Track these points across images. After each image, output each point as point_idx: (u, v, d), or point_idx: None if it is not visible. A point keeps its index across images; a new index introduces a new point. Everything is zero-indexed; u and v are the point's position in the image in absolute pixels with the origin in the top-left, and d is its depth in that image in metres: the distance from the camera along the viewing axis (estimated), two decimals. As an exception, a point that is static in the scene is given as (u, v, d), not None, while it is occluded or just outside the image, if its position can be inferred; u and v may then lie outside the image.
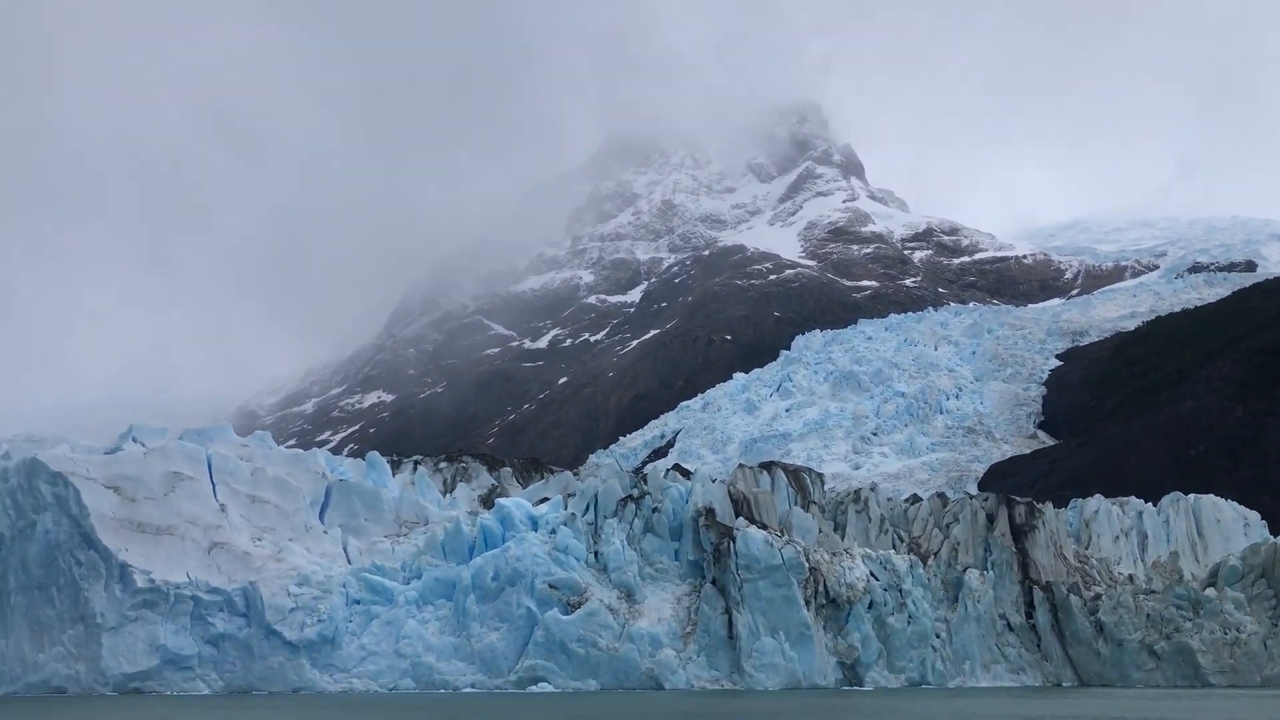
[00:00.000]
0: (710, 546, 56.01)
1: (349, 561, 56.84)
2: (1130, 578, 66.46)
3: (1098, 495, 74.35)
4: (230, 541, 53.44)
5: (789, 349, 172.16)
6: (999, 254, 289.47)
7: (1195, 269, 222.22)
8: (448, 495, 69.41)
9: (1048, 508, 68.14)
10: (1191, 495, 73.84)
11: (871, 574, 57.77)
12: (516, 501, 60.87)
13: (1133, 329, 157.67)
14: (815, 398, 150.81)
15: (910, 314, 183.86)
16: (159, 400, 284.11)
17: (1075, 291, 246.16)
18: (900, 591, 58.06)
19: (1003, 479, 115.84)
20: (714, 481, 62.67)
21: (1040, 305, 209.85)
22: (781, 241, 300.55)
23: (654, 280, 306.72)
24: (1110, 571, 67.13)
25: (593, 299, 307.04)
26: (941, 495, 73.11)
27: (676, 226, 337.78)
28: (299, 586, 52.02)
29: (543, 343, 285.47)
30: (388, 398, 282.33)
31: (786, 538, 56.86)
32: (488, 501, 68.71)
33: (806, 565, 55.04)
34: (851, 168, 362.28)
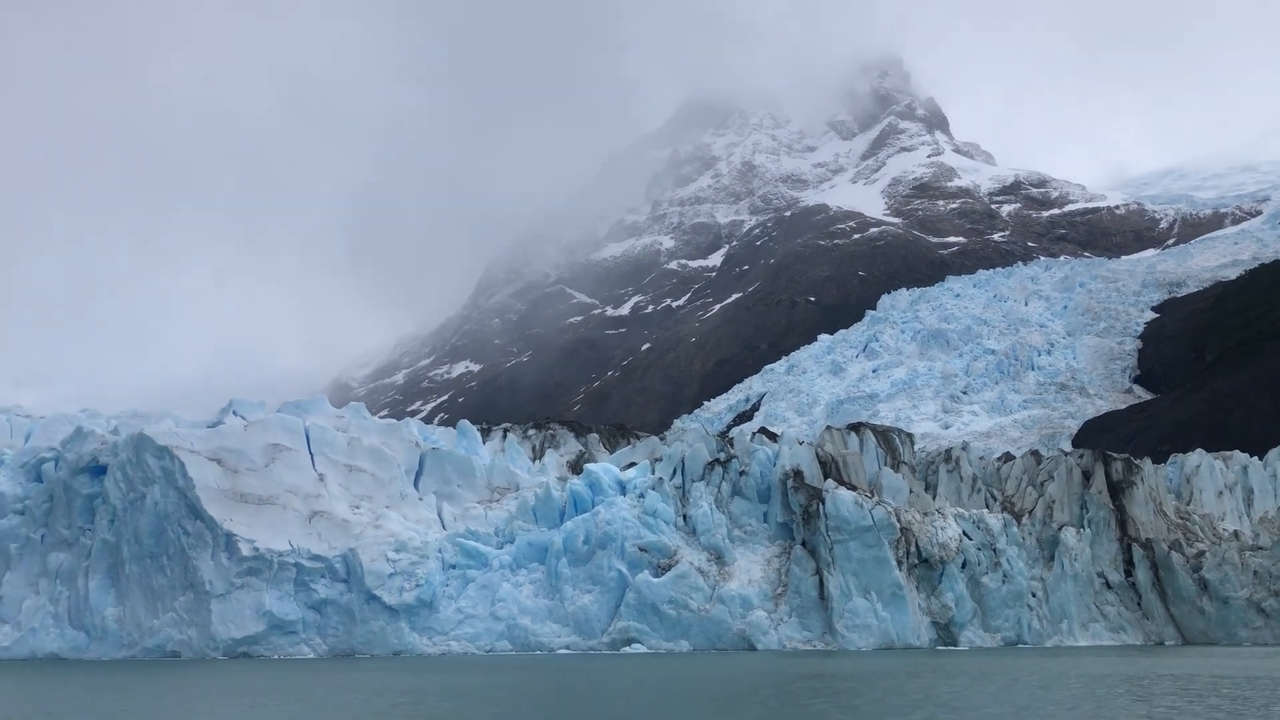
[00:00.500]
0: (799, 509, 55.93)
1: (444, 527, 58.06)
2: (1235, 534, 64.68)
3: (1199, 450, 72.35)
4: (329, 510, 54.93)
5: (874, 309, 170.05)
6: (1090, 205, 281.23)
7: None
8: (536, 462, 70.38)
9: (1146, 463, 66.56)
10: (1299, 448, 71.41)
11: (964, 534, 57.15)
12: (605, 467, 61.46)
13: (1234, 278, 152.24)
14: (902, 357, 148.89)
15: (999, 269, 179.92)
16: (255, 375, 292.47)
17: (1171, 241, 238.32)
18: (994, 551, 57.35)
19: (1098, 435, 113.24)
20: (801, 444, 62.45)
21: (1134, 256, 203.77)
22: (865, 199, 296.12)
23: (735, 243, 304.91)
24: (1214, 528, 65.41)
25: (674, 264, 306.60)
26: (1035, 453, 71.83)
27: (757, 188, 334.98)
28: (397, 552, 53.30)
29: (625, 310, 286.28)
30: (475, 367, 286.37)
31: (877, 499, 56.49)
32: (575, 467, 69.50)
33: (898, 526, 54.65)
34: (935, 121, 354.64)
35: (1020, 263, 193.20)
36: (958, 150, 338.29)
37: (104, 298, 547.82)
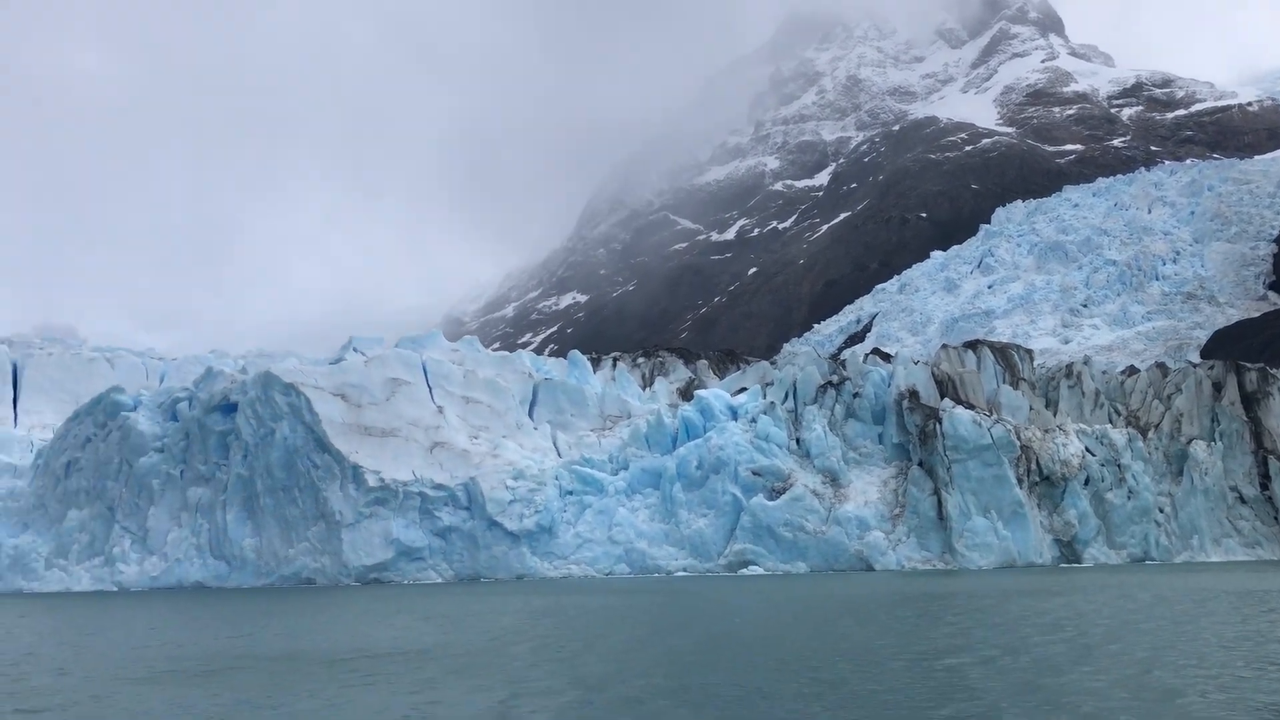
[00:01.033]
0: (915, 429, 55.21)
1: (559, 455, 59.12)
2: (1380, 444, 61.64)
3: (1340, 358, 68.84)
4: (449, 441, 56.38)
5: (989, 223, 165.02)
6: (1219, 104, 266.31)
7: None
8: (647, 389, 70.81)
9: (1283, 373, 63.66)
10: None
11: (1087, 450, 55.73)
12: (715, 393, 61.54)
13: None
14: (1019, 272, 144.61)
15: (1120, 176, 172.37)
16: (371, 313, 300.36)
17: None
18: (1119, 466, 55.85)
19: (1229, 345, 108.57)
20: (916, 363, 61.44)
21: (1269, 156, 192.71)
22: (976, 109, 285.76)
23: (842, 161, 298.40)
24: (1356, 438, 62.41)
25: (779, 185, 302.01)
26: (1161, 365, 69.35)
27: (863, 103, 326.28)
28: (515, 480, 54.54)
29: (730, 234, 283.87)
30: (582, 298, 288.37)
31: (995, 417, 55.39)
32: (685, 394, 69.72)
33: (1018, 443, 53.58)
34: (1049, 24, 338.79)
35: (1143, 168, 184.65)
36: (1073, 53, 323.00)
37: (223, 242, 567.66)
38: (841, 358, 71.66)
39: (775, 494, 53.59)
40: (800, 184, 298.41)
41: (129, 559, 55.93)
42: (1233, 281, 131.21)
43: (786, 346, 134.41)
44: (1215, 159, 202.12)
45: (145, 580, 55.09)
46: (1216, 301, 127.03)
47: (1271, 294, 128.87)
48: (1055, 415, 60.79)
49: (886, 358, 70.73)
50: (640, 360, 78.38)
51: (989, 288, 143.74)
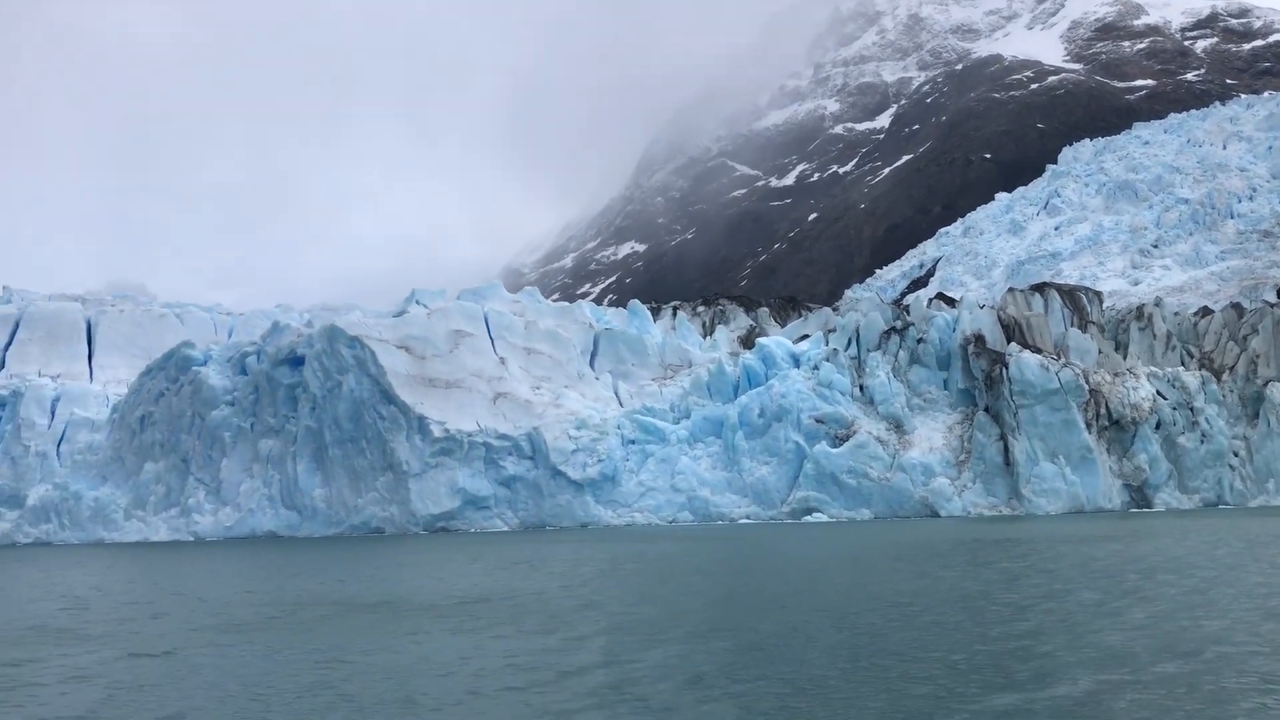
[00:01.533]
0: (981, 374, 54.48)
1: (620, 405, 59.35)
2: None
3: None
4: (512, 391, 56.86)
5: (1055, 163, 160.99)
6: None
7: None
8: (707, 338, 70.61)
9: (1365, 312, 61.62)
10: None
11: (1158, 393, 54.61)
12: (777, 340, 61.20)
13: None
14: (1087, 212, 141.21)
15: (1193, 112, 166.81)
16: (431, 265, 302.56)
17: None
18: (1191, 410, 54.68)
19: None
20: (982, 308, 60.48)
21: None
22: (1042, 46, 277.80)
23: (904, 102, 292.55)
24: None
25: (839, 129, 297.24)
26: (1236, 306, 67.54)
27: (925, 42, 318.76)
28: (578, 430, 54.91)
29: (789, 179, 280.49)
30: (640, 247, 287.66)
31: (1063, 360, 54.43)
32: (747, 342, 69.43)
33: (1086, 387, 52.65)
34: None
35: (1218, 103, 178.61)
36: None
37: (285, 198, 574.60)
38: (905, 303, 70.71)
39: (839, 441, 53.36)
40: (861, 127, 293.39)
41: (204, 510, 57.46)
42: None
43: (848, 292, 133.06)
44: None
45: (220, 530, 56.60)
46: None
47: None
48: (1125, 359, 59.56)
49: (951, 302, 69.71)
50: (700, 309, 78.13)
51: (1055, 229, 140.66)
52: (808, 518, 51.75)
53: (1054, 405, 52.10)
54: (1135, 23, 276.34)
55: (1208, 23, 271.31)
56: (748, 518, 53.17)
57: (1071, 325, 59.81)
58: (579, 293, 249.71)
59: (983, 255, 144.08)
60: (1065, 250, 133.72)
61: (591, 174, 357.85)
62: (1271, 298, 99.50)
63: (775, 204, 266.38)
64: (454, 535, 50.01)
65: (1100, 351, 58.03)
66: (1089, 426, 52.42)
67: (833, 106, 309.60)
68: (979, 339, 56.12)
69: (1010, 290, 63.13)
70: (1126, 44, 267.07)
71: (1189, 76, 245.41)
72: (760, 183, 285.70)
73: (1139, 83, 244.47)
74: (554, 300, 73.86)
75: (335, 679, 11.15)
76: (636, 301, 70.66)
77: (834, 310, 71.26)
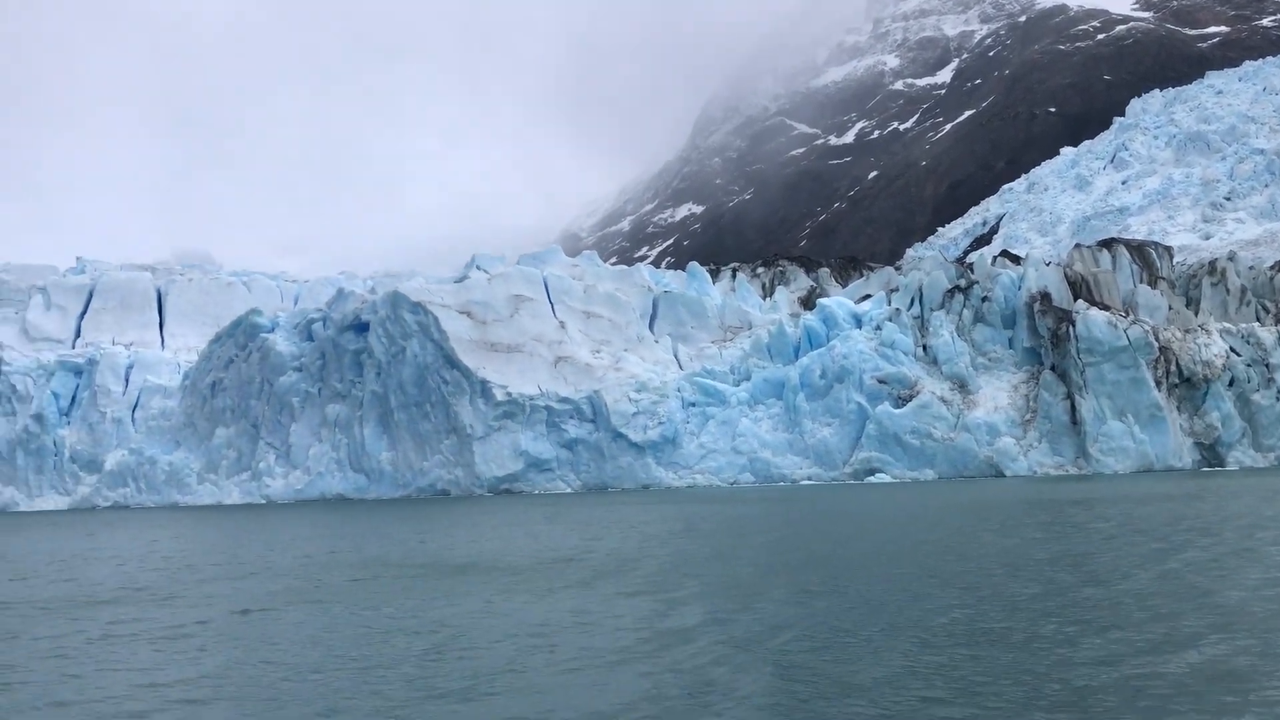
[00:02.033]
0: (1047, 332, 53.64)
1: (680, 367, 59.43)
2: None
3: None
4: (572, 355, 57.19)
5: (1123, 115, 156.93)
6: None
7: None
8: (767, 299, 70.30)
9: None
10: None
11: (1231, 349, 53.35)
12: (838, 300, 60.76)
13: None
14: (1156, 165, 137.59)
15: (1269, 59, 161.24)
16: (489, 230, 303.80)
17: None
18: (1266, 366, 53.35)
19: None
20: (1048, 265, 59.43)
21: None
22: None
23: (965, 56, 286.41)
24: None
25: (899, 85, 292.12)
26: (1315, 260, 65.51)
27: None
28: (638, 392, 55.12)
29: (849, 137, 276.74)
30: (698, 209, 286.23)
31: (1132, 318, 53.37)
32: (807, 303, 69.03)
33: (1155, 345, 51.60)
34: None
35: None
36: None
37: (345, 165, 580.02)
38: (968, 261, 69.77)
39: (901, 401, 52.98)
40: (921, 82, 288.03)
41: (274, 473, 58.76)
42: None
43: (910, 251, 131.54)
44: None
45: (290, 493, 57.87)
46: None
47: None
48: (1196, 315, 58.25)
49: (1015, 260, 68.58)
50: (760, 270, 77.76)
51: (1123, 184, 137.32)
52: (870, 479, 51.55)
53: (1122, 363, 51.16)
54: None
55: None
56: (809, 479, 53.10)
57: (1140, 281, 58.58)
58: (636, 256, 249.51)
59: (1048, 211, 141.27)
60: (1133, 205, 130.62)
61: (648, 135, 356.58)
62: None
63: (835, 162, 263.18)
64: (518, 497, 50.63)
65: (1170, 308, 56.79)
66: (1159, 384, 51.43)
67: (892, 62, 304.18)
68: (1045, 297, 55.20)
69: (1077, 246, 61.95)
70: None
71: (1265, 22, 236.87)
72: (819, 141, 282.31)
73: (1211, 30, 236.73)
74: (612, 264, 74.02)
75: (448, 641, 11.06)
76: (695, 264, 70.48)
77: (896, 269, 70.52)
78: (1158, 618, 10.87)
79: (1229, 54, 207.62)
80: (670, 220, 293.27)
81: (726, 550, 19.65)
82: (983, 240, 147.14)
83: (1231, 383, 52.65)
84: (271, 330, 61.72)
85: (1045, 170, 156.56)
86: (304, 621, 12.72)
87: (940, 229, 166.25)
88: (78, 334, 68.24)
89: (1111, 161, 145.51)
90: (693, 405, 56.04)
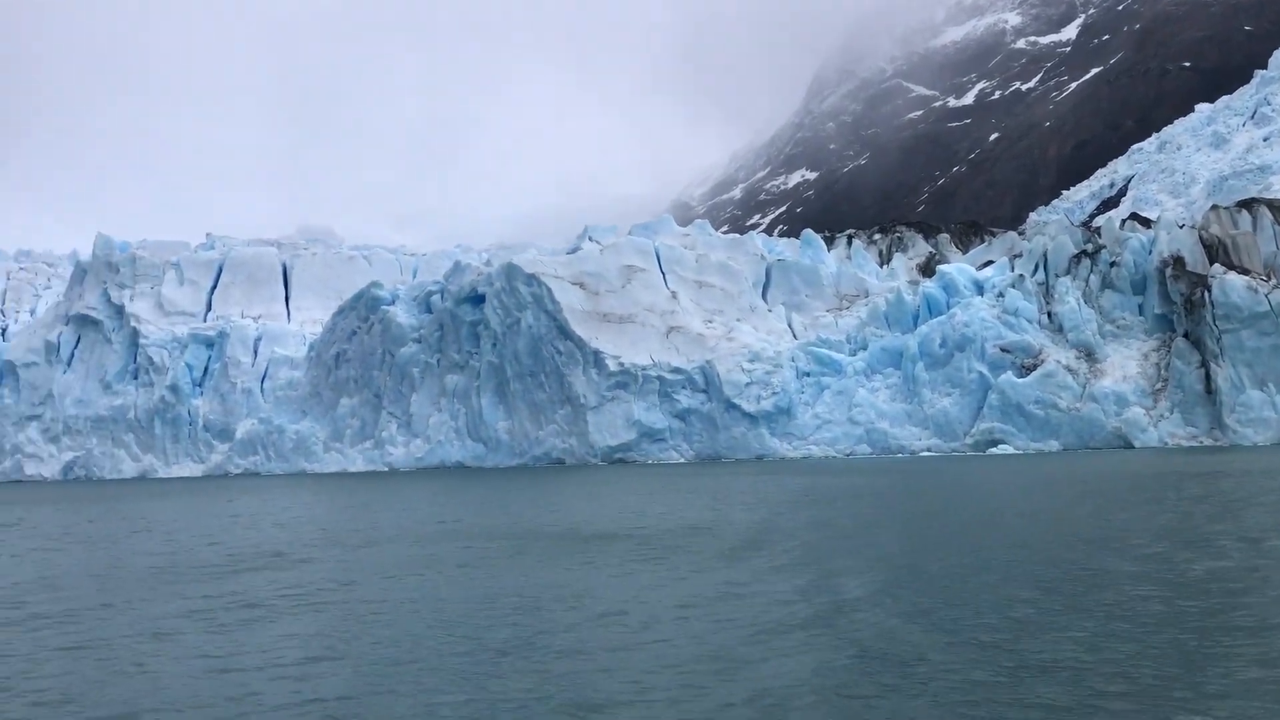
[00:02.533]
0: (1180, 298, 51.30)
1: (794, 337, 58.76)
2: None
3: None
4: (684, 325, 57.04)
5: (1265, 68, 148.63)
6: None
7: None
8: (884, 267, 68.88)
9: None
10: None
11: (1386, 315, 50.17)
12: (959, 267, 59.17)
13: None
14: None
15: None
16: (599, 201, 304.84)
17: None
18: None
19: None
20: (1181, 227, 56.78)
21: None
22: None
23: (1092, 11, 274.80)
24: None
25: (1021, 43, 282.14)
26: None
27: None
28: (751, 363, 54.71)
29: (968, 98, 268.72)
30: (811, 175, 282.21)
31: (1274, 282, 50.65)
32: (926, 270, 67.39)
33: (1300, 310, 48.87)
34: None
35: None
36: None
37: (458, 139, 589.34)
38: (1095, 225, 67.12)
39: (1025, 371, 51.41)
40: (1045, 39, 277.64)
41: (396, 441, 60.27)
42: None
43: (1033, 216, 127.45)
44: None
45: (411, 461, 59.30)
46: None
47: None
48: (1346, 278, 54.91)
49: (1146, 223, 65.76)
50: (876, 236, 76.20)
51: (1264, 140, 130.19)
52: (992, 450, 50.23)
53: (1263, 329, 48.63)
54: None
55: None
56: (928, 450, 52.02)
57: (1284, 243, 55.45)
58: (749, 224, 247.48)
59: (1180, 172, 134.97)
60: (1276, 163, 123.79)
61: (759, 101, 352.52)
62: None
63: (954, 125, 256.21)
64: (633, 466, 50.86)
65: (1317, 271, 53.67)
66: (1303, 352, 48.74)
67: (1014, 19, 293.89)
68: (1178, 261, 52.76)
69: (1214, 208, 58.94)
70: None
71: None
72: (937, 103, 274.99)
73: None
74: (723, 232, 73.43)
75: (621, 608, 10.90)
76: (810, 231, 69.43)
77: (1019, 234, 68.34)
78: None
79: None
80: (783, 187, 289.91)
81: (868, 521, 19.13)
82: (1110, 203, 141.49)
83: (1385, 350, 49.58)
84: (392, 303, 63.12)
85: (1178, 128, 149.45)
86: (463, 587, 12.77)
87: (1065, 192, 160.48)
88: (209, 308, 70.86)
89: (1251, 118, 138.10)
90: (807, 375, 55.40)
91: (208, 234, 79.01)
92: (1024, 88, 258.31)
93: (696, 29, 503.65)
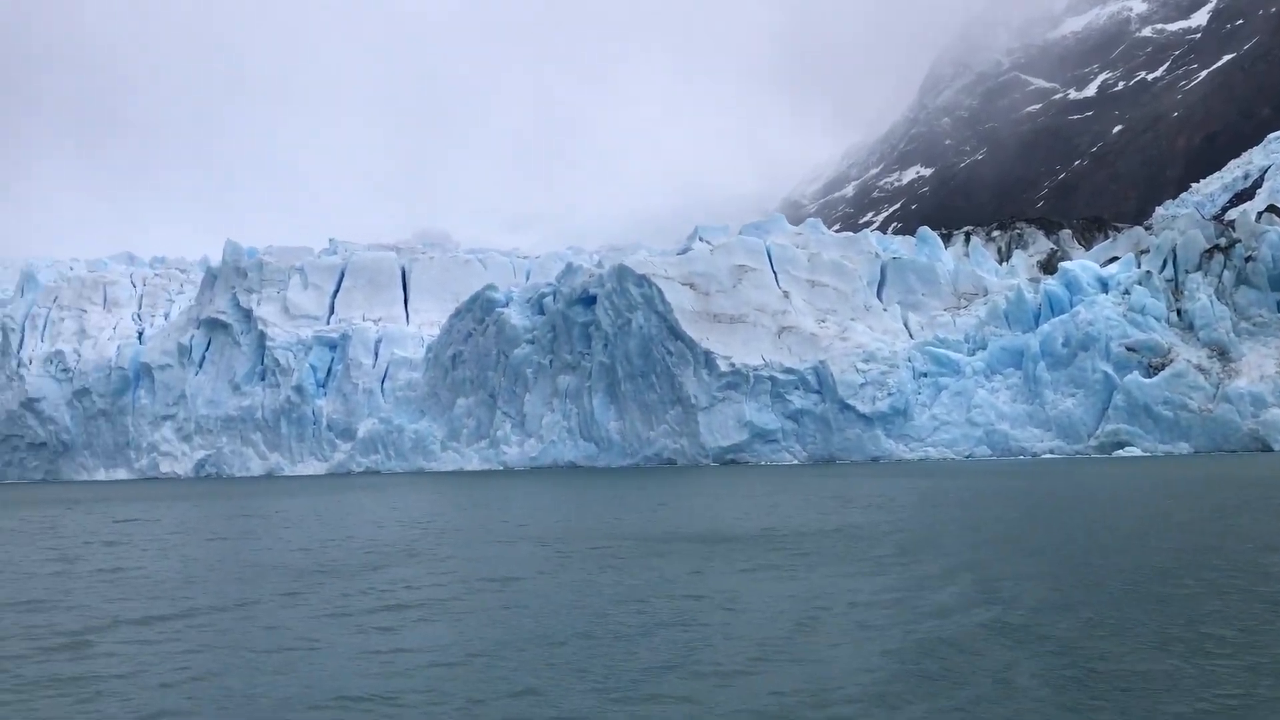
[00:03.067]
0: (1323, 293, 48.79)
1: (910, 336, 57.70)
2: None
3: None
4: (797, 325, 56.53)
5: None
6: None
7: None
8: (1004, 264, 67.23)
9: None
10: None
11: None
12: (1083, 264, 57.36)
13: None
14: None
15: None
16: (710, 201, 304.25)
17: None
18: None
19: None
20: (1323, 219, 53.98)
21: None
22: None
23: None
24: None
25: (1147, 31, 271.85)
26: None
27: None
28: (866, 363, 53.91)
29: (1090, 90, 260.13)
30: (926, 171, 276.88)
31: None
32: (1047, 267, 65.55)
33: None
34: None
35: None
36: None
37: (569, 141, 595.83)
38: (1228, 219, 64.29)
39: (1153, 370, 49.51)
40: (1172, 27, 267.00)
41: (510, 441, 61.20)
42: None
43: (1160, 210, 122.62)
44: None
45: (525, 460, 60.13)
46: None
47: None
48: None
49: (1285, 215, 62.64)
50: (995, 233, 74.48)
51: None
52: (1119, 452, 48.50)
53: None
54: None
55: None
56: (1051, 452, 50.52)
57: None
58: (862, 222, 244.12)
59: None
60: None
61: (872, 97, 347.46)
62: None
63: (1075, 118, 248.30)
64: (746, 468, 50.60)
65: None
66: None
67: (1139, 7, 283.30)
68: (1321, 255, 50.20)
69: (1360, 198, 55.93)
70: None
71: None
72: (1058, 95, 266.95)
73: None
74: (836, 231, 72.57)
75: (798, 614, 10.42)
76: (925, 228, 68.12)
77: (1146, 229, 65.94)
78: None
79: None
80: (897, 184, 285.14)
81: (1009, 527, 18.01)
82: (1244, 195, 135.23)
83: None
84: (506, 305, 64.12)
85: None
86: (607, 586, 12.57)
87: (1194, 185, 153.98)
88: (331, 310, 72.97)
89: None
90: (924, 375, 54.35)
91: (330, 239, 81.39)
92: (1150, 77, 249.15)
93: (804, 24, 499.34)
